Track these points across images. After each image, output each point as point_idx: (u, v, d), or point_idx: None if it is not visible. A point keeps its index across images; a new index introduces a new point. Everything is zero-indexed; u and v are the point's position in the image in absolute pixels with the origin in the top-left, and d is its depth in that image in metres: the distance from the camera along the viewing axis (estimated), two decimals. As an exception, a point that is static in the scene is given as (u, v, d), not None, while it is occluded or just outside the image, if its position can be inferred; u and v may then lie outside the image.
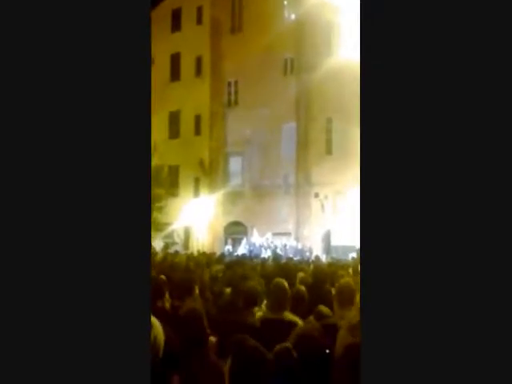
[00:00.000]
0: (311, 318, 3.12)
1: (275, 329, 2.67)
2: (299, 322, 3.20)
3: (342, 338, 2.49)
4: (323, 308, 3.28)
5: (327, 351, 2.44)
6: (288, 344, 2.27)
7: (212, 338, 2.95)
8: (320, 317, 3.15)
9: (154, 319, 2.50)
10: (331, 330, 2.75)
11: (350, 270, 7.70)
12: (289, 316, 3.32)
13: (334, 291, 3.24)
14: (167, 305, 4.40)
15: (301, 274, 5.36)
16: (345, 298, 3.11)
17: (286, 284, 3.49)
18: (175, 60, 25.98)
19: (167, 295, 4.47)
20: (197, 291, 4.28)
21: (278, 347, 2.24)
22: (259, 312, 3.55)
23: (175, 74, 26.02)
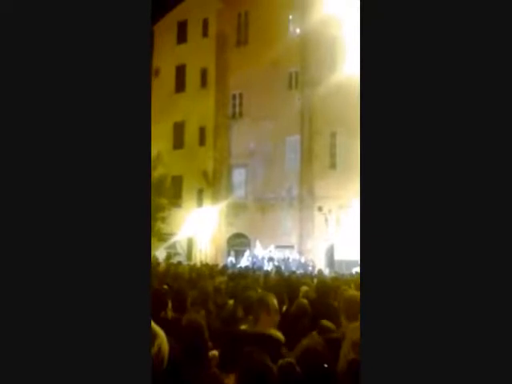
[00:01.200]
0: (314, 333, 3.08)
1: (258, 343, 2.63)
2: (281, 337, 3.13)
3: (346, 353, 2.47)
4: (326, 322, 3.25)
5: (325, 366, 2.42)
6: (291, 359, 2.25)
7: (214, 352, 2.92)
8: (324, 331, 3.12)
9: (158, 329, 2.48)
10: (335, 344, 2.73)
11: (353, 285, 7.66)
12: (272, 332, 3.24)
13: (340, 304, 3.20)
14: (170, 315, 4.37)
15: (304, 288, 5.32)
16: (352, 311, 3.08)
17: (273, 300, 3.38)
18: (180, 71, 26.15)
19: (170, 305, 4.45)
20: (189, 303, 4.24)
21: (281, 361, 2.22)
22: (244, 325, 3.49)
23: (180, 86, 26.17)
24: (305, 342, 2.66)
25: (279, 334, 3.23)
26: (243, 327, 3.45)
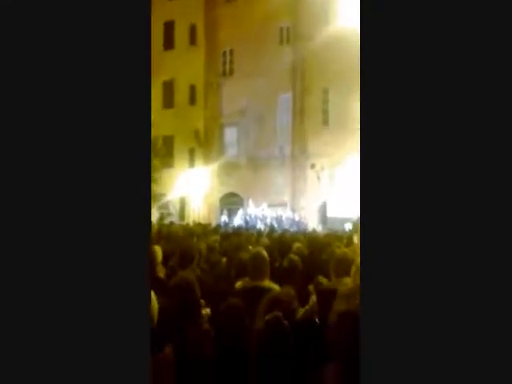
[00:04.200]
0: (311, 287, 3.11)
1: (254, 296, 2.67)
2: (277, 288, 3.19)
3: (338, 305, 2.48)
4: (322, 279, 3.27)
5: (316, 321, 2.44)
6: (278, 313, 2.25)
7: (207, 310, 2.94)
8: (317, 286, 3.14)
9: (147, 288, 2.47)
10: (328, 298, 2.75)
11: (345, 241, 7.73)
12: (267, 283, 3.31)
13: (331, 262, 3.22)
14: (161, 274, 4.38)
15: (296, 245, 5.33)
16: (341, 268, 3.10)
17: (264, 253, 3.49)
18: (169, 28, 25.50)
19: (161, 265, 4.45)
20: (179, 262, 4.25)
21: (268, 316, 2.23)
22: (240, 282, 3.54)
23: (169, 43, 25.57)
24: (271, 293, 2.70)
25: (274, 286, 3.26)
26: (238, 284, 3.48)
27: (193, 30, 24.92)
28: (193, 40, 24.98)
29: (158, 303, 2.60)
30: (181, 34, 25.21)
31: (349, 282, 2.85)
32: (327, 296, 2.61)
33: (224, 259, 4.83)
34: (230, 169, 23.41)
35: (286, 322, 2.20)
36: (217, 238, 7.53)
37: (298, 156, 22.36)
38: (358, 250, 3.20)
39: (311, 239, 6.71)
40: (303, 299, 2.93)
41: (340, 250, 3.83)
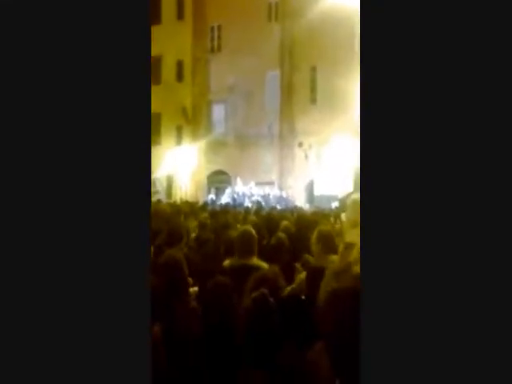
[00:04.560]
0: (297, 264, 3.13)
1: (242, 274, 2.69)
2: (265, 266, 3.21)
3: (326, 283, 2.50)
4: (309, 257, 3.29)
5: (303, 297, 2.46)
6: (264, 290, 2.26)
7: (194, 288, 2.94)
8: (305, 264, 3.16)
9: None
10: (316, 275, 2.77)
11: (332, 219, 7.77)
12: (255, 261, 3.33)
13: (317, 239, 3.23)
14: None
15: (284, 223, 5.35)
16: (327, 245, 3.12)
17: (252, 231, 3.51)
18: (155, 2, 24.99)
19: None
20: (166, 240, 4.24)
21: (254, 294, 2.24)
22: (228, 260, 3.55)
23: (156, 17, 25.08)
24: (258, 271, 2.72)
25: (263, 264, 3.28)
26: (226, 262, 3.49)
27: (180, 4, 24.48)
28: (180, 15, 24.54)
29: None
30: (168, 9, 24.75)
31: (335, 260, 2.86)
32: (314, 274, 2.63)
33: (212, 237, 4.83)
34: (217, 147, 23.30)
35: (272, 300, 2.21)
36: (206, 215, 7.52)
37: (286, 134, 22.31)
38: (346, 228, 3.22)
39: (298, 217, 6.73)
40: (290, 277, 2.95)
41: (325, 227, 3.84)
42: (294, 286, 2.66)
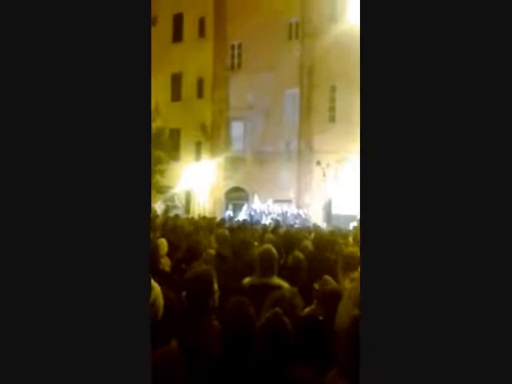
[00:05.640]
0: (316, 285, 3.11)
1: (262, 293, 2.67)
2: (286, 285, 3.18)
3: (345, 308, 2.48)
4: (328, 278, 3.27)
5: (321, 318, 2.44)
6: (278, 309, 2.25)
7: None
8: (323, 285, 3.14)
9: (153, 282, 2.48)
10: (333, 298, 2.74)
11: (351, 239, 7.71)
12: (275, 280, 3.31)
13: (338, 260, 3.21)
14: (167, 267, 4.40)
15: (304, 243, 5.32)
16: (349, 267, 3.09)
17: (273, 250, 3.49)
18: (178, 21, 25.44)
19: (166, 257, 4.46)
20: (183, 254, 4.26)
21: (268, 313, 2.23)
22: (247, 278, 3.54)
23: (177, 35, 25.52)
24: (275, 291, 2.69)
25: (283, 283, 3.26)
26: (246, 280, 3.48)
27: (202, 23, 24.87)
28: (201, 33, 24.93)
29: (163, 297, 2.60)
30: (189, 27, 25.17)
31: (356, 283, 2.84)
32: (332, 296, 2.61)
33: (230, 254, 4.83)
34: (236, 163, 23.40)
35: (287, 319, 2.19)
36: (225, 231, 7.52)
37: (304, 152, 22.32)
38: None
39: (316, 236, 6.70)
40: (308, 297, 2.93)
41: (347, 248, 3.82)
42: (313, 306, 2.65)
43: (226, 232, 6.16)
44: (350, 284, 2.92)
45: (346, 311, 2.02)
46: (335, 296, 2.56)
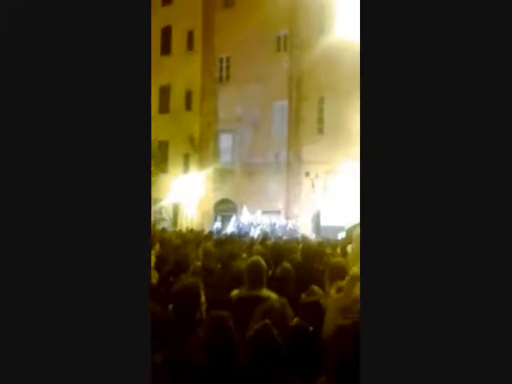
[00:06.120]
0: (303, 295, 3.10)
1: (251, 306, 2.66)
2: (274, 297, 3.17)
3: (330, 318, 2.47)
4: (316, 288, 3.26)
5: (310, 328, 2.43)
6: (267, 321, 2.24)
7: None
8: (310, 295, 3.13)
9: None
10: (319, 308, 2.74)
11: (339, 250, 7.71)
12: (264, 292, 3.29)
13: (326, 270, 3.21)
14: (154, 280, 4.36)
15: (292, 255, 5.30)
16: (337, 277, 3.09)
17: (262, 261, 3.47)
18: (166, 33, 25.52)
19: (154, 270, 4.43)
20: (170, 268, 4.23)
21: (257, 325, 2.22)
22: (236, 290, 3.52)
23: (166, 48, 25.58)
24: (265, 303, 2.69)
25: (272, 294, 3.25)
26: (235, 293, 3.46)
27: (190, 36, 24.97)
28: (190, 46, 25.02)
29: (149, 310, 2.57)
30: (178, 40, 25.25)
31: (343, 293, 2.84)
32: (319, 307, 2.61)
33: (217, 266, 4.80)
34: (224, 175, 23.39)
35: (276, 331, 2.18)
36: (211, 244, 7.49)
37: (292, 163, 22.39)
38: (352, 260, 3.20)
39: (304, 247, 6.69)
40: (296, 308, 2.92)
41: (335, 258, 3.82)
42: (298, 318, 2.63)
43: (212, 247, 6.13)
44: (335, 294, 2.91)
45: (331, 320, 2.02)
46: (317, 308, 2.56)
